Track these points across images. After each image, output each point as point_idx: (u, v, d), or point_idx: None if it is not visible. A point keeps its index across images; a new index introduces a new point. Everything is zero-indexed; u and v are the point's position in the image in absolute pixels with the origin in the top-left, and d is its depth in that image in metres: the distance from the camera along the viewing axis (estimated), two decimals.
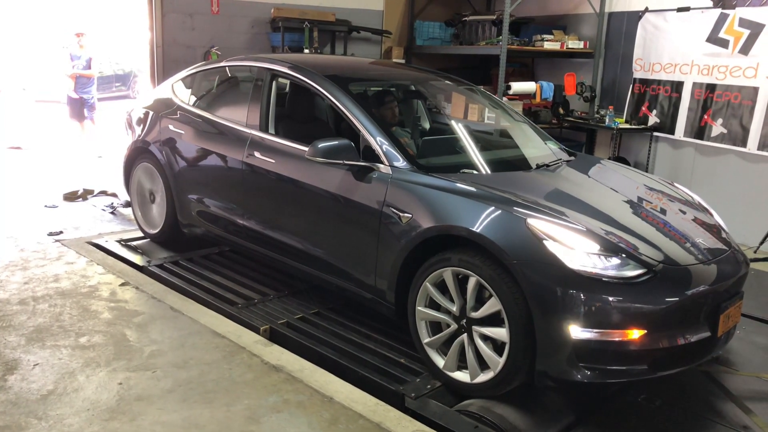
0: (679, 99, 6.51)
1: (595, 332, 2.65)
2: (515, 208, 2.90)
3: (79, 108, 8.92)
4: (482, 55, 8.55)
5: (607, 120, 6.90)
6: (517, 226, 2.81)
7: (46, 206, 6.06)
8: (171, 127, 4.62)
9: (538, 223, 2.79)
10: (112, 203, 6.15)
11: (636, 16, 6.94)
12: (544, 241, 2.73)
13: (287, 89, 4.18)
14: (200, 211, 4.45)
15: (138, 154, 4.93)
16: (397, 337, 3.52)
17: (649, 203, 3.50)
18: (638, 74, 6.96)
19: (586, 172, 3.84)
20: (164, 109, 4.78)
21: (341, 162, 3.34)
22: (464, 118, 4.16)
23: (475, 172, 3.37)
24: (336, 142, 3.34)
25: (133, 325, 3.62)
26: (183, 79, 4.90)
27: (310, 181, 3.60)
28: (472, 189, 3.07)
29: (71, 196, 6.35)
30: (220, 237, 4.39)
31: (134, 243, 5.02)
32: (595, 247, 2.75)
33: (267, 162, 3.86)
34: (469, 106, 4.31)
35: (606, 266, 2.70)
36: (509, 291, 2.75)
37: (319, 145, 3.32)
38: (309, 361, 3.30)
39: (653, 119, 6.80)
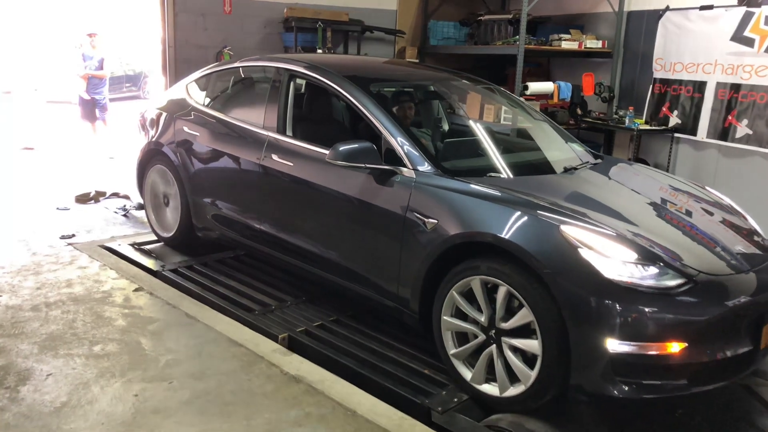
0: (701, 99, 6.36)
1: (633, 345, 2.52)
2: (547, 213, 2.78)
3: (91, 109, 8.86)
4: (496, 55, 8.41)
5: (626, 121, 6.75)
6: (549, 233, 2.69)
7: (58, 208, 5.98)
8: (185, 128, 4.52)
9: (572, 230, 2.67)
10: (125, 205, 6.06)
11: (656, 15, 6.79)
12: (579, 249, 2.60)
13: (305, 90, 4.07)
14: (215, 215, 4.35)
15: (152, 156, 4.84)
16: (421, 347, 3.41)
17: (685, 210, 3.37)
18: (658, 74, 6.81)
19: (616, 175, 3.71)
20: (178, 110, 4.68)
21: (362, 165, 3.23)
22: (486, 119, 4.03)
23: (502, 175, 3.25)
24: (357, 145, 3.23)
25: (147, 333, 3.52)
26: (197, 80, 4.81)
27: (330, 185, 3.50)
28: (501, 194, 2.95)
29: (83, 198, 6.28)
30: (235, 241, 4.30)
31: (148, 247, 4.93)
32: (632, 255, 2.62)
33: (284, 165, 3.75)
34: (490, 107, 4.19)
35: (643, 276, 2.58)
36: (542, 301, 2.63)
37: (340, 148, 3.21)
38: (329, 371, 3.19)
39: (674, 120, 6.66)
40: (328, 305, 3.91)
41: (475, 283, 2.84)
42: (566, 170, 3.53)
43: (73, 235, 5.18)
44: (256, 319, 3.70)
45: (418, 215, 3.05)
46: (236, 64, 4.60)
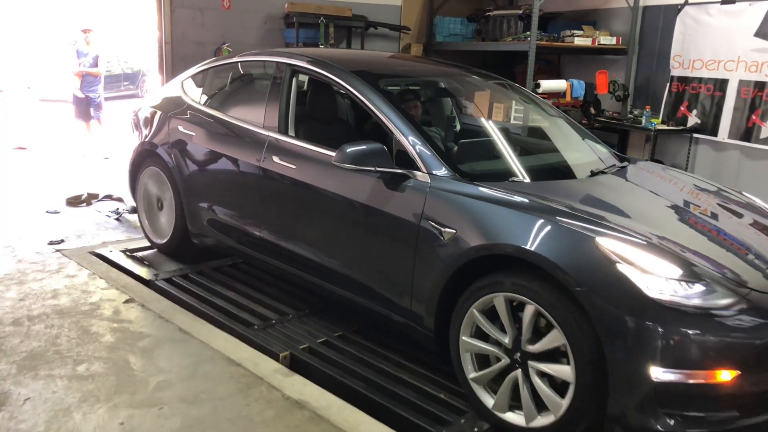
0: (723, 98, 6.07)
1: (679, 373, 2.24)
2: (580, 223, 2.49)
3: (85, 107, 8.58)
4: (505, 53, 8.13)
5: (643, 120, 6.47)
6: (584, 245, 2.40)
7: (47, 212, 5.70)
8: (180, 128, 4.24)
9: (609, 243, 2.38)
10: (118, 209, 5.78)
11: (674, 10, 6.51)
12: (617, 265, 2.32)
13: (308, 87, 3.79)
14: (211, 220, 4.07)
15: (145, 157, 4.56)
16: (435, 366, 3.12)
17: (730, 219, 3.08)
18: (676, 72, 6.53)
19: (649, 181, 3.42)
20: (173, 108, 4.40)
21: (372, 169, 2.94)
22: (501, 118, 3.74)
23: (525, 180, 2.96)
24: (366, 147, 2.94)
25: (137, 350, 3.24)
26: (193, 76, 4.52)
27: (336, 189, 3.21)
28: (527, 201, 2.66)
29: (74, 201, 5.99)
30: (232, 248, 4.01)
31: (140, 254, 4.64)
32: (677, 271, 2.34)
33: (286, 167, 3.47)
34: (505, 105, 3.90)
35: (689, 294, 2.29)
36: (575, 322, 2.34)
37: (348, 150, 2.93)
38: (335, 393, 2.90)
39: (693, 120, 6.37)
40: (333, 319, 3.63)
41: (499, 300, 2.56)
42: (593, 174, 3.24)
43: (62, 241, 4.89)
44: (255, 334, 3.42)
45: (434, 224, 2.77)
46: (234, 59, 4.32)
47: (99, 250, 4.67)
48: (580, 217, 2.52)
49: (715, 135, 6.18)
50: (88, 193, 6.11)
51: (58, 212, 5.71)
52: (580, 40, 7.02)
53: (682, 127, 6.45)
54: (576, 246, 2.40)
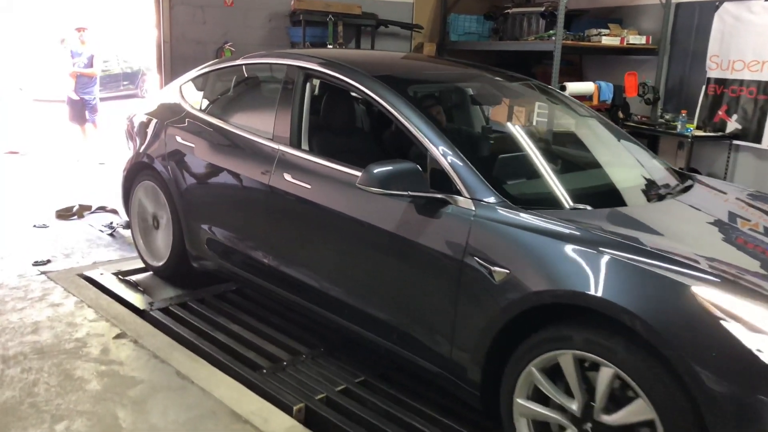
0: (767, 102, 5.60)
1: None
2: (672, 267, 2.01)
3: (80, 110, 8.12)
4: (521, 53, 7.67)
5: (679, 126, 6.00)
6: (677, 296, 1.93)
7: (35, 226, 5.24)
8: (178, 138, 3.78)
9: (710, 293, 1.91)
10: (112, 223, 5.32)
11: (711, 7, 6.04)
12: (723, 322, 1.85)
13: (324, 94, 3.32)
14: (212, 243, 3.61)
15: (139, 170, 4.10)
16: (476, 423, 2.66)
17: None
18: (713, 73, 6.06)
19: (723, 205, 2.93)
20: (171, 116, 3.94)
21: (404, 194, 2.47)
22: (545, 130, 3.27)
23: (588, 207, 2.49)
24: (397, 167, 2.47)
25: (127, 402, 2.78)
26: (193, 80, 4.06)
27: (358, 215, 2.75)
28: (601, 237, 2.18)
29: (65, 214, 5.53)
30: (236, 275, 3.56)
31: (135, 277, 4.18)
32: None
33: (300, 187, 3.01)
34: (547, 114, 3.43)
35: None
36: (667, 393, 1.88)
37: (375, 171, 2.46)
38: None
39: (733, 125, 5.91)
40: (352, 359, 3.17)
41: (566, 359, 2.10)
42: (659, 197, 2.77)
43: (49, 261, 4.43)
44: (264, 380, 2.95)
45: (482, 261, 2.30)
46: (238, 62, 3.85)
47: (89, 273, 4.20)
48: (669, 259, 2.05)
49: (759, 142, 5.71)
50: (80, 205, 5.65)
51: (47, 226, 5.26)
52: (608, 40, 6.55)
53: (720, 133, 5.98)
54: (668, 297, 1.93)
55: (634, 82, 6.47)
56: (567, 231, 2.21)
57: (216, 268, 3.70)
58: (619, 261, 2.04)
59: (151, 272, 4.21)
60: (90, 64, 8.04)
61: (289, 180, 3.06)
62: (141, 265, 4.31)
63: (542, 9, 6.94)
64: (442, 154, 2.55)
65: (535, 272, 2.16)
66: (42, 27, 14.70)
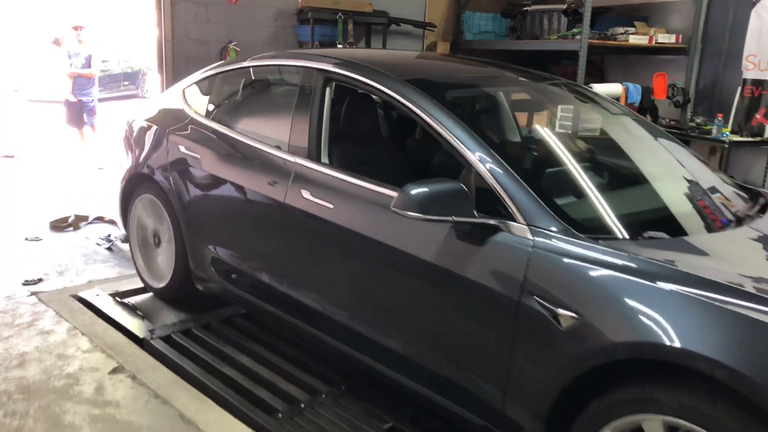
0: None
1: None
2: None
3: (78, 112, 7.76)
4: (538, 52, 7.31)
5: (714, 130, 5.63)
6: None
7: (27, 239, 4.88)
8: (182, 147, 3.42)
9: None
10: (109, 235, 4.96)
11: (748, 3, 5.68)
12: None
13: (347, 100, 2.96)
14: (219, 264, 3.26)
15: (138, 183, 3.74)
16: None
17: None
18: (750, 74, 5.69)
19: None
20: (173, 122, 3.58)
21: (449, 219, 2.11)
22: (598, 138, 2.87)
23: (665, 236, 2.12)
24: (438, 188, 2.11)
25: None
26: (197, 83, 3.70)
27: (391, 240, 2.38)
28: (696, 277, 1.80)
29: (60, 225, 5.17)
30: (245, 301, 3.20)
31: (134, 299, 3.81)
32: None
33: (320, 206, 2.64)
34: (595, 120, 3.04)
35: None
36: None
37: (413, 193, 2.10)
38: None
39: None
40: (378, 400, 2.80)
41: (653, 425, 1.73)
42: (738, 221, 2.40)
43: (40, 280, 4.07)
44: (280, 427, 2.59)
45: (544, 302, 1.94)
46: (247, 64, 3.48)
47: (84, 294, 3.84)
48: None
49: None
50: (76, 216, 5.30)
51: (40, 239, 4.90)
52: (636, 39, 6.18)
53: (758, 138, 5.61)
54: None
55: (663, 83, 6.09)
56: (654, 268, 1.83)
57: (222, 291, 3.34)
58: (726, 308, 1.67)
59: (151, 293, 3.85)
60: (88, 65, 7.67)
61: (307, 198, 2.70)
62: (141, 284, 3.95)
63: (564, 6, 6.56)
64: (490, 171, 2.19)
65: (614, 319, 1.80)
66: (38, 26, 14.31)
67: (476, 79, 3.02)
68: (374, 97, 2.81)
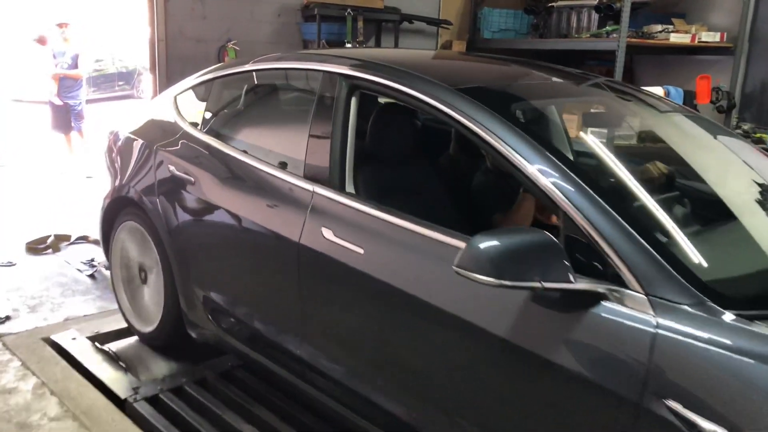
0: None
1: None
2: None
3: (64, 116, 7.18)
4: (560, 52, 6.73)
5: None
6: None
7: None
8: (172, 167, 2.84)
9: None
10: (93, 259, 4.37)
11: None
12: None
13: (379, 114, 2.38)
14: (216, 311, 2.69)
15: (121, 207, 3.16)
16: None
17: None
18: None
19: None
20: (162, 137, 3.00)
21: (538, 285, 1.52)
22: (708, 164, 2.29)
23: None
24: (520, 240, 1.53)
25: None
26: (192, 89, 3.12)
27: (444, 302, 1.80)
28: None
29: (37, 247, 4.58)
30: (248, 359, 2.63)
31: (116, 345, 3.22)
32: None
33: (348, 252, 2.06)
34: (694, 139, 2.44)
35: None
36: None
37: (484, 246, 1.51)
38: None
39: None
40: None
41: None
42: None
43: (8, 318, 3.49)
44: None
45: (678, 406, 1.36)
46: (249, 67, 2.89)
47: (57, 337, 3.26)
48: None
49: None
50: (56, 236, 4.71)
51: (13, 264, 4.31)
52: (677, 37, 5.62)
53: None
54: None
55: (707, 86, 5.54)
56: None
57: (219, 343, 2.77)
58: None
59: (138, 337, 3.27)
60: (74, 65, 7.08)
61: (329, 238, 2.12)
62: (125, 324, 3.37)
63: (596, 2, 5.99)
64: (588, 215, 1.60)
65: None
66: (21, 22, 13.63)
67: (546, 88, 2.42)
68: (416, 110, 2.23)
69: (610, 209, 1.60)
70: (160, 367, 3.03)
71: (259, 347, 2.54)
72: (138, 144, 3.11)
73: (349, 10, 6.02)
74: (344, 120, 2.24)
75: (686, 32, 5.67)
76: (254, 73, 2.90)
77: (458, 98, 1.94)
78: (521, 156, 1.75)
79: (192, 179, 2.73)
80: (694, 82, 5.57)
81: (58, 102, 7.08)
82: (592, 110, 2.51)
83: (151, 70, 5.78)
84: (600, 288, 1.51)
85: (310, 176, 2.28)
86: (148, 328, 3.12)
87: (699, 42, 5.66)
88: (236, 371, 2.97)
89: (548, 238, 1.54)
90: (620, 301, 1.51)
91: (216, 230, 2.67)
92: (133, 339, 3.27)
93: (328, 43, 6.01)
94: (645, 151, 2.39)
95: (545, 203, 1.70)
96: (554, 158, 1.72)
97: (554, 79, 2.51)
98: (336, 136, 2.23)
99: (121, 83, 15.79)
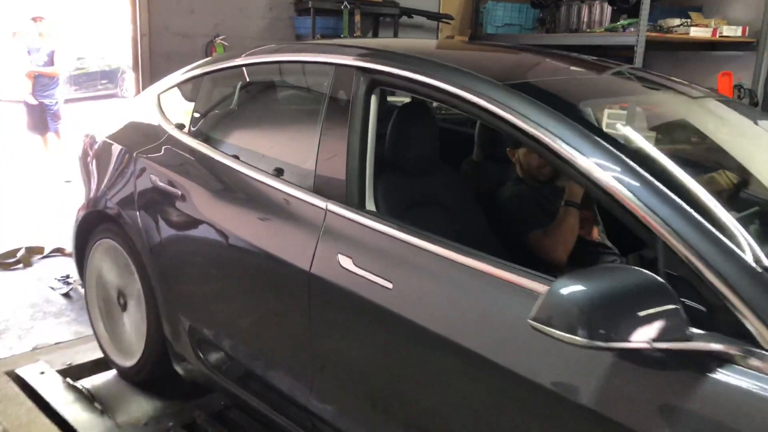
0: None
1: None
2: None
3: (40, 117, 6.73)
4: (568, 48, 6.35)
5: None
6: None
7: None
8: (154, 177, 2.43)
9: None
10: (68, 276, 3.94)
11: None
12: None
13: (406, 116, 2.00)
14: (204, 345, 2.30)
15: (97, 223, 2.75)
16: None
17: None
18: None
19: None
20: (144, 141, 2.59)
21: (645, 346, 1.14)
22: None
23: None
24: (620, 283, 1.15)
25: None
26: (178, 87, 2.72)
27: (499, 356, 1.42)
28: None
29: (5, 262, 4.15)
30: (241, 402, 2.22)
31: (92, 381, 2.81)
32: None
33: (372, 285, 1.66)
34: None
35: None
36: None
37: (567, 293, 1.14)
38: None
39: None
40: None
41: None
42: None
43: None
44: None
45: None
46: (241, 60, 2.48)
47: (23, 370, 2.84)
48: None
49: None
50: (27, 249, 4.28)
51: None
52: (697, 31, 5.27)
53: None
54: None
55: (729, 84, 5.22)
56: None
57: (208, 382, 2.37)
58: None
59: (115, 371, 2.86)
60: (51, 62, 6.62)
61: (347, 268, 1.72)
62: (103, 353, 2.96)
63: None
64: (699, 251, 1.22)
65: None
66: None
67: (610, 85, 2.02)
68: (456, 112, 1.83)
69: (725, 242, 1.23)
70: (142, 408, 2.61)
71: (256, 390, 2.15)
72: (116, 150, 2.70)
73: (345, 3, 5.69)
74: (363, 123, 1.84)
75: (706, 26, 5.33)
76: (253, 66, 2.49)
77: (508, 94, 1.55)
78: (610, 173, 1.36)
79: (178, 191, 2.33)
80: (714, 79, 5.25)
81: (32, 101, 6.64)
82: (658, 110, 2.13)
83: (134, 67, 5.40)
84: (733, 349, 1.14)
85: (322, 190, 1.89)
86: (128, 362, 2.70)
87: (720, 36, 5.32)
88: (230, 412, 2.57)
89: (655, 280, 1.16)
90: (751, 364, 1.13)
91: (206, 251, 2.27)
92: (112, 373, 2.85)
93: (323, 38, 5.65)
94: (717, 159, 2.02)
95: (635, 229, 1.32)
96: (653, 176, 1.34)
97: (606, 73, 2.13)
98: (353, 143, 1.83)
99: (104, 82, 15.29)
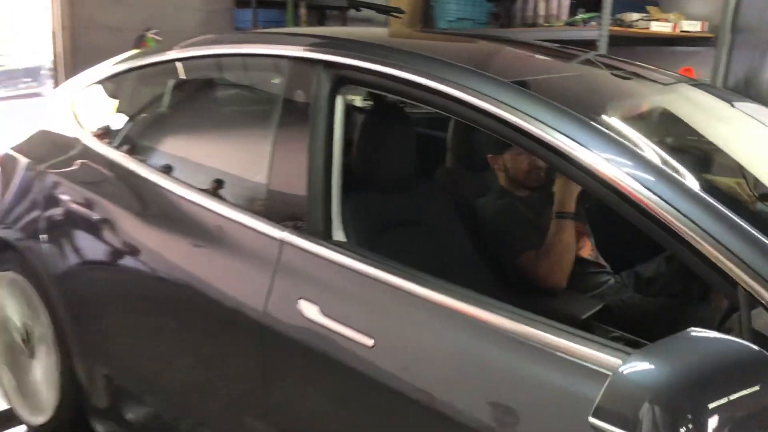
0: None
1: None
2: None
3: None
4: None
5: None
6: None
7: None
8: (66, 196, 1.99)
9: None
10: None
11: None
12: None
13: (381, 123, 1.63)
14: (128, 398, 1.89)
15: None
16: None
17: None
18: None
19: None
20: (54, 153, 2.15)
21: None
22: None
23: None
24: (712, 357, 0.82)
25: None
26: (98, 85, 2.27)
27: None
28: None
29: None
30: None
31: None
32: None
33: (349, 342, 1.29)
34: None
35: None
36: None
37: (657, 376, 0.80)
38: None
39: None
40: None
41: None
42: None
43: None
44: None
45: None
46: (174, 54, 2.05)
47: None
48: None
49: None
50: None
51: None
52: (658, 26, 5.12)
53: None
54: None
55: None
56: None
57: None
58: None
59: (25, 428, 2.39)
60: None
61: (311, 318, 1.34)
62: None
63: None
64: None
65: None
66: None
67: (626, 83, 1.72)
68: (445, 117, 1.47)
69: None
70: None
71: None
72: (21, 163, 2.23)
73: None
74: (327, 130, 1.46)
75: (666, 21, 5.19)
76: (189, 61, 2.06)
77: (528, 98, 1.20)
78: (651, 191, 1.04)
79: (93, 213, 1.90)
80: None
81: None
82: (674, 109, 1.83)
83: (55, 65, 4.93)
84: None
85: (276, 216, 1.50)
86: (39, 419, 2.24)
87: (681, 32, 5.20)
88: None
89: (759, 354, 0.83)
90: None
91: (127, 287, 1.85)
92: (21, 430, 2.38)
93: None
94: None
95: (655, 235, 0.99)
96: (706, 194, 1.03)
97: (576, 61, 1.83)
98: (315, 156, 1.45)
99: (27, 80, 14.35)
